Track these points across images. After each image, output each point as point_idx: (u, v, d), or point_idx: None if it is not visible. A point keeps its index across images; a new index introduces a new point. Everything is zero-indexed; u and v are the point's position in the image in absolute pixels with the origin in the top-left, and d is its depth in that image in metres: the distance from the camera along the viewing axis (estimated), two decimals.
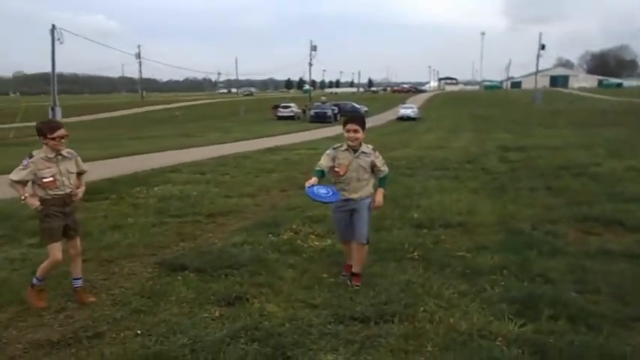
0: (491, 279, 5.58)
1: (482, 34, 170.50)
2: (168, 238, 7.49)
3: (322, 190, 5.27)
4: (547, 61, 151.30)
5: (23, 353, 4.13)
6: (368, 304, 4.90)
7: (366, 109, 66.30)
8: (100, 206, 9.59)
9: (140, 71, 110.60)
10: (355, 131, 5.42)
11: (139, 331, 4.44)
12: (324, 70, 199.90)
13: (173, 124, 50.79)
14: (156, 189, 11.32)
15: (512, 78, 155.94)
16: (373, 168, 5.56)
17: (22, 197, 4.94)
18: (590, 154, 17.50)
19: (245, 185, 11.93)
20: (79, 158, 5.29)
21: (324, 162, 5.45)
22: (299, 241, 7.14)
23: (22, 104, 46.45)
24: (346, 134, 5.47)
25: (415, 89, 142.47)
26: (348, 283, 5.45)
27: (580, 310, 4.66)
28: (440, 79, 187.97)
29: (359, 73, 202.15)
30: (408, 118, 55.00)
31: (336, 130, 32.05)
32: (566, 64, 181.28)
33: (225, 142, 26.55)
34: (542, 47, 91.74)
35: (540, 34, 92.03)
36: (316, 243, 7.08)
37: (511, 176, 12.96)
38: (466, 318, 4.59)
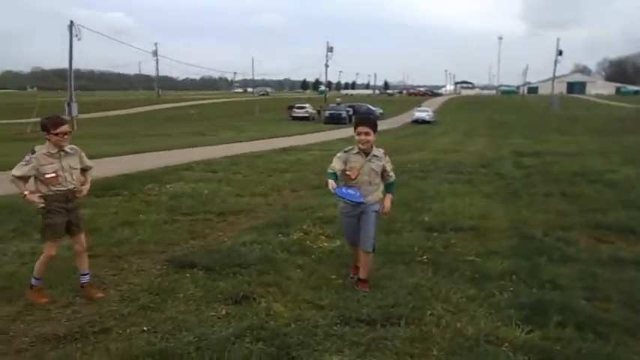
0: (500, 284, 5.54)
1: (500, 38, 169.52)
2: (178, 235, 7.51)
3: (350, 191, 5.26)
4: (564, 67, 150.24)
5: (30, 347, 4.15)
6: (375, 306, 4.88)
7: (381, 111, 66.18)
8: (112, 202, 9.66)
9: (157, 69, 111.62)
10: (366, 134, 5.33)
11: (145, 328, 4.45)
12: (340, 72, 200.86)
13: (188, 122, 51.00)
14: (168, 186, 11.38)
15: (529, 83, 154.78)
16: (383, 173, 5.49)
17: (23, 194, 4.93)
18: (605, 161, 17.33)
19: (257, 185, 11.95)
20: (83, 154, 5.27)
21: (336, 165, 5.35)
22: (308, 242, 7.14)
23: (38, 99, 46.95)
24: (357, 137, 5.38)
25: (431, 93, 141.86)
26: (356, 287, 5.42)
27: (589, 318, 4.61)
28: (456, 83, 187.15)
29: (375, 75, 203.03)
30: (423, 122, 54.79)
31: (350, 131, 31.72)
32: (584, 71, 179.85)
33: (240, 141, 26.61)
34: (560, 53, 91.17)
35: (558, 40, 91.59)
36: (325, 244, 7.07)
37: (525, 181, 12.86)
38: (473, 323, 4.56)
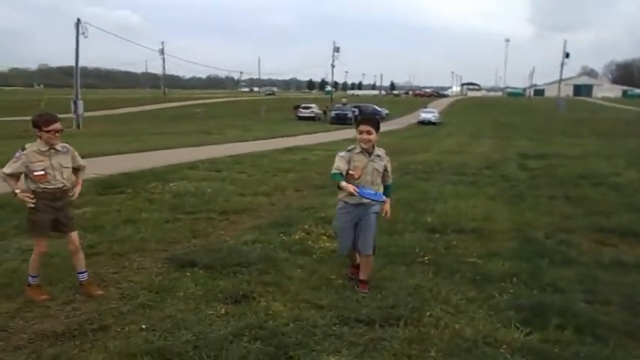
0: (500, 286, 5.53)
1: (507, 40, 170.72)
2: (180, 234, 7.52)
3: (370, 190, 5.20)
4: (571, 70, 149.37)
5: (28, 343, 4.16)
6: (374, 306, 4.88)
7: (387, 112, 66.17)
8: (115, 200, 9.67)
9: (163, 67, 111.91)
10: (368, 132, 5.26)
11: (144, 326, 4.46)
12: (346, 72, 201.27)
13: (194, 121, 51.06)
14: (172, 185, 11.40)
15: (536, 85, 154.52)
16: (384, 173, 5.44)
17: (14, 192, 4.92)
18: (610, 164, 17.27)
19: (260, 184, 11.96)
20: (75, 153, 5.24)
21: (341, 164, 5.24)
22: (310, 242, 7.13)
23: (44, 96, 47.12)
24: (359, 136, 5.30)
25: (437, 94, 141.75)
26: (356, 288, 5.41)
27: (588, 321, 4.60)
28: (462, 85, 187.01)
29: (381, 76, 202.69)
30: (429, 123, 54.71)
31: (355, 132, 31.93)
32: (591, 73, 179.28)
33: (245, 141, 26.61)
34: (567, 55, 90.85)
35: (565, 42, 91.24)
36: (327, 244, 7.06)
37: (530, 184, 12.83)
38: (472, 324, 4.56)
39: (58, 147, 5.04)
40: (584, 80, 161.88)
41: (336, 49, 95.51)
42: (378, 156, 5.37)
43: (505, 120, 59.02)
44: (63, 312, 4.77)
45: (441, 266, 6.16)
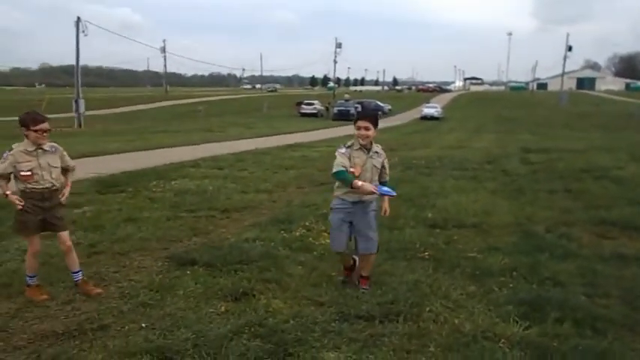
0: (500, 280, 5.54)
1: (509, 34, 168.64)
2: (181, 232, 7.53)
3: (384, 187, 5.16)
4: (574, 63, 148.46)
5: (28, 343, 4.17)
6: (374, 302, 4.87)
7: (389, 107, 66.21)
8: (116, 199, 9.69)
9: (165, 65, 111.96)
10: (367, 128, 5.11)
11: (143, 325, 4.46)
12: (348, 68, 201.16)
13: (196, 118, 51.07)
14: (173, 183, 11.42)
15: (539, 79, 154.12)
16: (381, 170, 5.33)
17: (5, 194, 4.91)
18: (612, 157, 17.24)
19: (262, 181, 11.97)
20: (64, 153, 5.20)
21: (345, 161, 5.07)
22: (311, 239, 7.14)
23: (46, 96, 47.16)
24: (357, 132, 5.16)
25: (440, 89, 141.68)
26: (357, 284, 5.40)
27: (587, 314, 4.60)
28: (465, 79, 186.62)
29: (384, 72, 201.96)
30: (431, 118, 54.71)
31: None
32: (594, 67, 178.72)
33: (247, 138, 26.62)
34: (570, 49, 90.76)
35: (567, 35, 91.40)
36: (328, 241, 6.98)
37: (531, 178, 12.82)
38: (471, 319, 4.56)
39: (46, 147, 5.00)
40: (587, 73, 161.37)
41: (339, 45, 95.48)
42: (377, 152, 5.26)
43: (508, 114, 58.99)
44: (63, 312, 4.78)
45: (441, 261, 6.17)
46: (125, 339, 4.18)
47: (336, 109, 54.14)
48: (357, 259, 5.59)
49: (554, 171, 13.94)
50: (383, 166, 5.32)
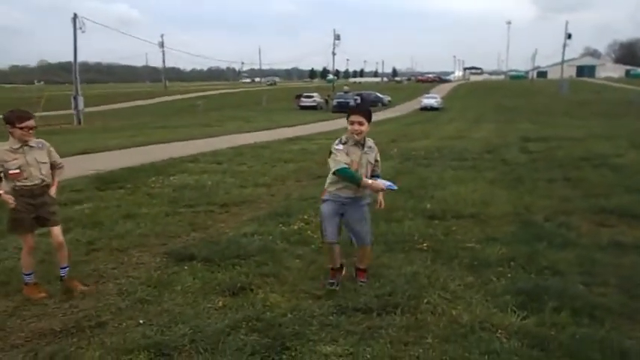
0: (498, 271, 5.53)
1: (509, 23, 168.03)
2: (180, 227, 7.53)
3: (387, 182, 5.08)
4: (574, 51, 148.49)
5: (25, 342, 4.18)
6: (372, 295, 4.87)
7: (389, 98, 66.10)
8: (115, 195, 9.70)
9: (163, 61, 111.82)
10: (360, 123, 4.95)
11: (141, 321, 4.47)
12: (347, 60, 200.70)
13: (196, 113, 51.01)
14: (172, 178, 11.42)
15: (539, 68, 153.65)
16: (375, 163, 5.21)
17: None
18: (612, 145, 17.21)
19: (261, 175, 11.96)
20: (52, 149, 5.18)
21: (345, 158, 4.91)
22: (309, 232, 7.13)
23: (44, 93, 47.11)
24: (350, 127, 4.98)
25: (440, 79, 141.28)
26: (354, 277, 5.39)
27: (585, 303, 4.59)
28: (465, 69, 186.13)
29: (383, 63, 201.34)
30: (431, 108, 54.53)
31: None
32: (594, 54, 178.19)
33: (246, 132, 26.59)
34: (569, 36, 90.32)
35: (567, 23, 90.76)
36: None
37: (530, 167, 12.80)
38: (469, 310, 4.55)
39: (32, 143, 4.99)
40: (587, 61, 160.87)
41: (337, 37, 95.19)
42: (370, 147, 5.14)
43: (508, 103, 58.87)
44: (61, 309, 4.78)
45: (439, 252, 6.16)
46: (122, 336, 4.19)
47: (335, 102, 53.98)
48: (344, 263, 5.47)
49: (554, 160, 13.92)
50: (376, 160, 5.23)
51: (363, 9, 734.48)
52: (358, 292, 4.98)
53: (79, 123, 40.25)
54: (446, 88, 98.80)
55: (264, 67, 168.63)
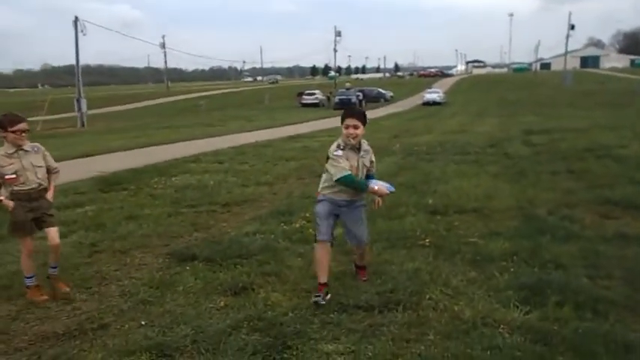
0: (501, 265, 5.49)
1: (511, 15, 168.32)
2: (182, 228, 7.53)
3: (387, 184, 5.00)
4: (577, 42, 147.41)
5: (28, 345, 4.18)
6: (373, 292, 4.85)
7: (391, 94, 65.98)
8: (118, 197, 9.71)
9: (165, 61, 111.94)
10: (355, 127, 4.79)
11: (143, 322, 4.47)
12: (349, 56, 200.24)
13: (198, 113, 51.04)
14: (174, 179, 11.43)
15: (542, 59, 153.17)
16: (370, 164, 5.11)
17: None
18: (616, 135, 17.13)
19: (263, 174, 11.95)
20: (47, 153, 5.17)
21: (346, 164, 4.78)
22: (311, 230, 7.06)
23: (48, 97, 47.22)
24: (345, 130, 4.81)
25: (442, 73, 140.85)
26: (355, 275, 5.36)
27: (588, 296, 4.55)
28: (467, 63, 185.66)
29: (384, 58, 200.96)
30: (434, 103, 54.35)
31: None
32: (598, 44, 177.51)
33: (248, 131, 26.53)
34: (572, 27, 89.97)
35: (570, 14, 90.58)
36: None
37: (533, 160, 12.76)
38: (471, 305, 4.53)
39: (27, 147, 4.99)
40: (591, 51, 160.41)
41: (338, 34, 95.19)
42: (366, 150, 5.01)
43: (511, 96, 58.67)
44: (64, 312, 4.79)
45: (441, 248, 6.13)
46: (125, 337, 4.19)
47: (337, 98, 53.81)
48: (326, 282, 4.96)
49: (557, 152, 13.88)
50: (371, 161, 5.12)
51: (364, 5, 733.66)
52: (359, 290, 4.95)
53: (83, 125, 40.31)
54: (448, 82, 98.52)
55: (265, 66, 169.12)
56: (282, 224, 7.40)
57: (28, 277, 5.12)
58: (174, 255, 6.23)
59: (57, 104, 49.58)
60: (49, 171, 5.21)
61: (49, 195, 5.18)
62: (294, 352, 3.89)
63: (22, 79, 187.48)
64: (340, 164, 4.78)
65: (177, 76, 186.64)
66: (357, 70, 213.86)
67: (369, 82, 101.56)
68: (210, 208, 8.69)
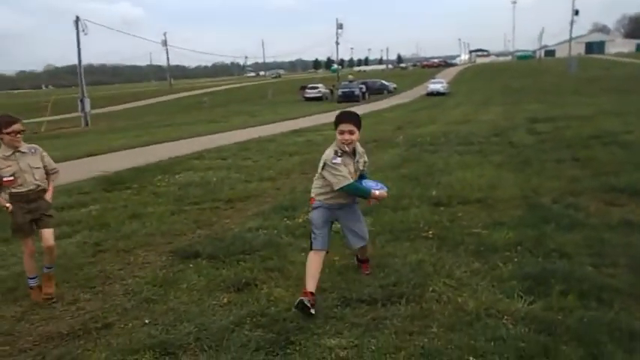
0: (504, 255, 5.46)
1: (514, 2, 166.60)
2: (185, 225, 7.52)
3: (377, 186, 4.85)
4: (582, 28, 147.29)
5: (33, 346, 4.19)
6: (377, 285, 4.83)
7: (395, 86, 65.85)
8: (122, 196, 9.71)
9: (167, 59, 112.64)
10: (351, 132, 4.64)
11: (147, 321, 4.47)
12: (351, 48, 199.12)
13: (201, 110, 51.08)
14: (177, 177, 11.43)
15: (546, 46, 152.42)
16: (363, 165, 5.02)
17: None
18: (621, 121, 17.04)
19: (266, 169, 11.93)
20: (45, 154, 5.17)
21: (346, 172, 4.66)
22: None
23: (52, 97, 47.32)
24: (339, 136, 4.65)
25: (445, 63, 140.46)
26: (358, 268, 5.33)
27: (593, 285, 4.51)
28: (471, 52, 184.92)
29: (387, 50, 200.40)
30: (437, 93, 54.18)
31: (363, 109, 31.83)
32: (603, 30, 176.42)
33: (252, 126, 26.51)
34: (576, 13, 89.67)
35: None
36: None
37: (538, 148, 12.67)
38: (475, 297, 4.50)
39: (24, 149, 4.99)
40: (596, 37, 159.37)
41: (340, 26, 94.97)
42: (360, 154, 4.88)
43: (515, 84, 58.42)
44: (68, 312, 4.80)
45: (445, 240, 6.09)
46: (128, 336, 4.19)
47: (340, 91, 53.78)
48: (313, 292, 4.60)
49: (562, 139, 13.79)
50: (365, 162, 5.01)
51: None
52: (362, 283, 4.94)
53: (87, 125, 40.42)
54: (452, 72, 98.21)
55: (268, 60, 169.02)
56: (285, 219, 7.38)
57: (30, 278, 5.14)
58: (177, 253, 6.22)
59: (61, 104, 49.74)
60: (48, 172, 5.20)
61: (48, 196, 5.18)
62: (297, 348, 3.88)
63: (26, 80, 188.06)
64: (341, 172, 4.63)
65: (180, 73, 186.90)
66: (359, 63, 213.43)
67: (372, 74, 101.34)
68: (213, 204, 8.69)
